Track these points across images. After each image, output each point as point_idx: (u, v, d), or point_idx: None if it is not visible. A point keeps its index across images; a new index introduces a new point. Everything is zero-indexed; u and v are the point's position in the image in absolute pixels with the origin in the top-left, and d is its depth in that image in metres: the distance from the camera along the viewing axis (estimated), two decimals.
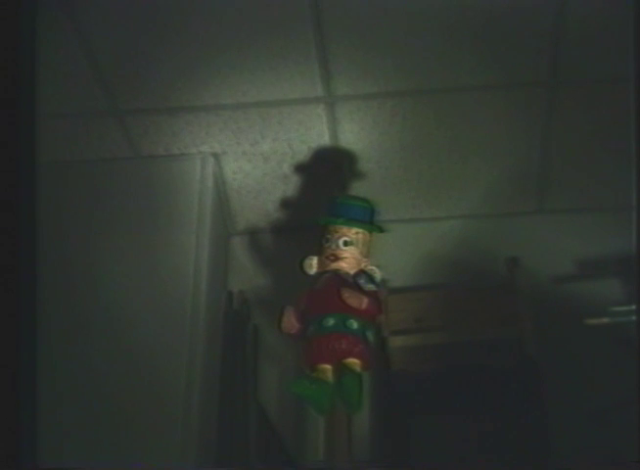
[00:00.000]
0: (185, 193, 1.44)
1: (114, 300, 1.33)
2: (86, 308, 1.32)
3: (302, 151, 1.46)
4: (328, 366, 1.18)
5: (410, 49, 1.29)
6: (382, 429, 1.41)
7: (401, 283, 1.48)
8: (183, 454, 1.23)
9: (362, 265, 1.25)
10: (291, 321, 1.23)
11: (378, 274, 1.26)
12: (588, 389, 1.38)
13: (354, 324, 1.20)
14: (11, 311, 0.88)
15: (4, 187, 0.90)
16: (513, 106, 1.38)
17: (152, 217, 1.41)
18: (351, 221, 1.26)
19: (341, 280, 1.24)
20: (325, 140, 1.44)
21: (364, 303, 1.21)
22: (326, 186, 1.49)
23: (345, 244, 1.25)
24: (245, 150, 1.46)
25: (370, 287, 1.24)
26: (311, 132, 1.42)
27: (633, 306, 1.27)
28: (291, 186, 1.52)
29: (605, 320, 1.30)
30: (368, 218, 1.28)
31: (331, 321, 1.20)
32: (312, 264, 1.26)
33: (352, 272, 1.25)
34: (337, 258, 1.25)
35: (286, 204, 1.55)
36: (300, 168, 1.49)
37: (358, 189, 1.47)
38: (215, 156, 1.47)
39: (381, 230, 1.28)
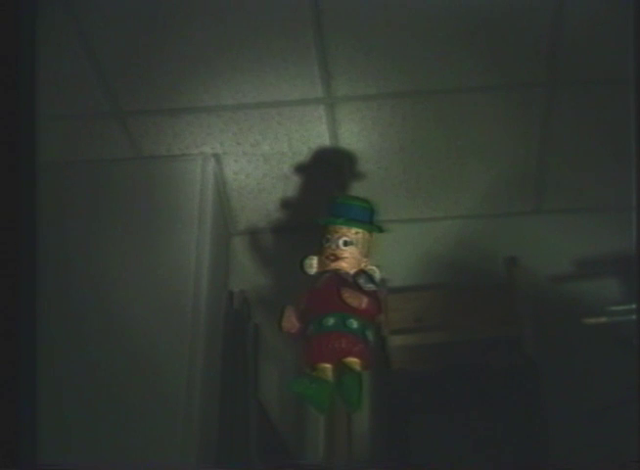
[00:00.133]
0: (186, 193, 1.44)
1: (116, 299, 1.34)
2: (87, 308, 1.32)
3: (302, 151, 1.46)
4: (328, 365, 1.18)
5: (410, 50, 1.29)
6: (381, 428, 1.41)
7: (401, 283, 1.48)
8: (184, 453, 1.23)
9: (362, 265, 1.26)
10: (291, 321, 1.23)
11: (377, 274, 1.26)
12: (587, 388, 1.38)
13: (354, 323, 1.20)
14: (11, 311, 0.89)
15: (6, 187, 0.91)
16: (511, 106, 1.38)
17: (153, 217, 1.42)
18: (351, 221, 1.26)
19: (341, 280, 1.24)
20: (325, 141, 1.44)
21: (364, 302, 1.21)
22: (326, 186, 1.49)
23: (345, 244, 1.25)
24: (245, 150, 1.46)
25: (370, 287, 1.24)
26: (311, 133, 1.43)
27: (632, 306, 1.27)
28: (291, 186, 1.52)
29: (603, 319, 1.30)
30: (368, 218, 1.28)
31: (331, 320, 1.20)
32: (312, 264, 1.26)
33: (352, 272, 1.25)
34: (337, 258, 1.25)
35: (286, 204, 1.55)
36: (300, 169, 1.49)
37: (358, 189, 1.48)
38: (216, 156, 1.47)
39: (380, 230, 1.29)
